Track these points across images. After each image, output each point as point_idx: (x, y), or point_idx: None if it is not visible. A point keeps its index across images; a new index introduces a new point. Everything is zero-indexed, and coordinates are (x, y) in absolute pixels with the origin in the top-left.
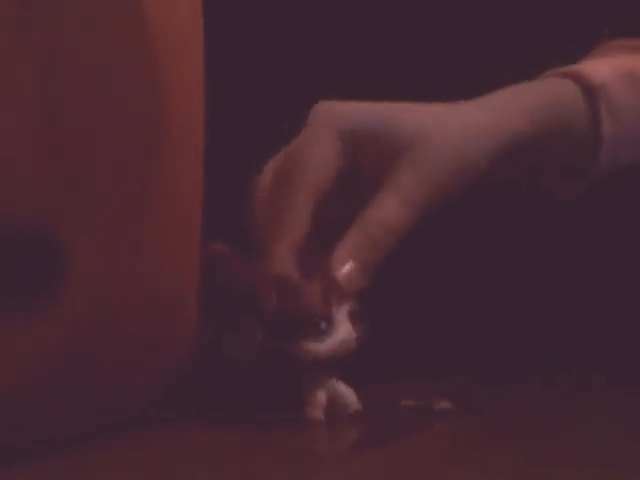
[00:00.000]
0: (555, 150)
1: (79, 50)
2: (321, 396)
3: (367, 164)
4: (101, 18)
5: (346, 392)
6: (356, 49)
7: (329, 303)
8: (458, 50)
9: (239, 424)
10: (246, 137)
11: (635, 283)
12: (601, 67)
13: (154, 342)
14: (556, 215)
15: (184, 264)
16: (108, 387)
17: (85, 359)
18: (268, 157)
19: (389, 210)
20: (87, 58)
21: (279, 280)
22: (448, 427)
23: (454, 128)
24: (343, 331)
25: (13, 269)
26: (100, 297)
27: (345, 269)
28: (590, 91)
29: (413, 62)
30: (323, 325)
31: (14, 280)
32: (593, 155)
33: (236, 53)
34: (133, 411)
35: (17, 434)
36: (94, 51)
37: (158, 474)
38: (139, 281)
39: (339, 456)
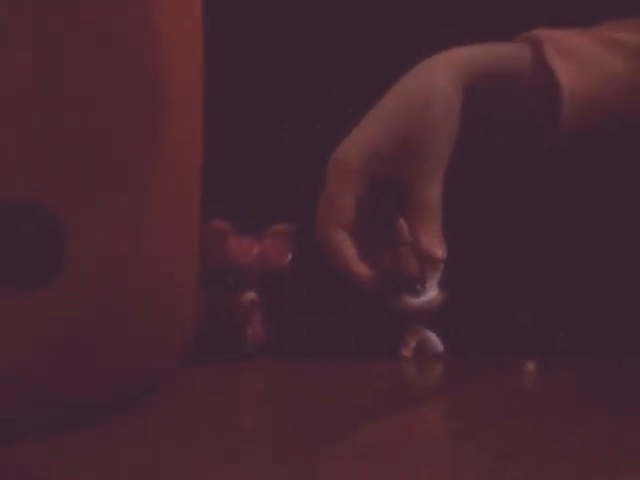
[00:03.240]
0: (515, 95)
1: (78, 50)
2: (412, 340)
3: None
4: (102, 18)
5: (432, 337)
6: (355, 48)
7: (424, 273)
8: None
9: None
10: (245, 137)
11: None
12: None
13: (154, 326)
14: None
15: (183, 256)
16: (108, 368)
17: (85, 340)
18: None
19: (426, 195)
20: (87, 58)
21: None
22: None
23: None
24: (431, 294)
25: (12, 252)
26: (100, 283)
27: (438, 247)
28: (534, 39)
29: (412, 60)
30: (418, 287)
31: (13, 263)
32: (558, 96)
33: (236, 53)
34: (136, 390)
35: (17, 413)
36: (94, 51)
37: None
38: (138, 275)
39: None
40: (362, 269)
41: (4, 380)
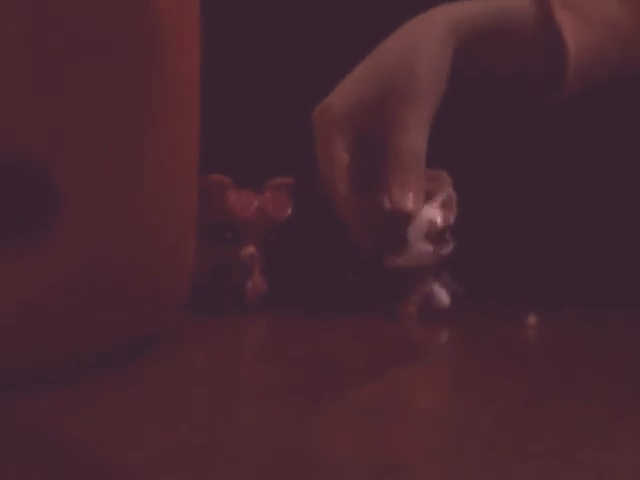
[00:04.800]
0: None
1: (77, 33)
2: (415, 295)
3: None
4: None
5: (438, 293)
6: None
7: (401, 227)
8: None
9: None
10: (244, 90)
11: None
12: None
13: (152, 277)
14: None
15: (181, 206)
16: (107, 323)
17: (84, 296)
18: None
19: (408, 142)
20: (86, 40)
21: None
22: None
23: (413, 63)
24: (417, 248)
25: (9, 208)
26: (100, 241)
27: (408, 201)
28: None
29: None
30: (397, 243)
31: (10, 219)
32: (562, 50)
33: (234, 13)
34: (136, 346)
35: (17, 366)
36: (94, 31)
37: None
38: (138, 233)
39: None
40: (361, 226)
41: (4, 336)
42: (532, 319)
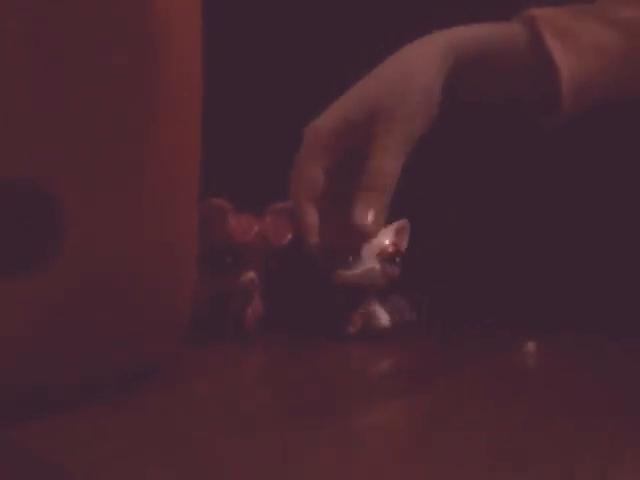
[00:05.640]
0: (511, 71)
1: (77, 37)
2: (357, 316)
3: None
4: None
5: (379, 313)
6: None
7: (357, 244)
8: None
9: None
10: (245, 114)
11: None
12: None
13: (153, 299)
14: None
15: (182, 239)
16: (108, 351)
17: (84, 323)
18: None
19: (381, 162)
20: (86, 45)
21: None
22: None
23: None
24: (368, 265)
25: (12, 230)
26: (99, 266)
27: (367, 218)
28: (529, 20)
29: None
30: (350, 259)
31: (13, 239)
32: (555, 75)
33: (236, 31)
34: (137, 372)
35: (18, 395)
36: (94, 36)
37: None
38: (138, 258)
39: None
40: (315, 239)
41: (4, 362)
42: (531, 346)
